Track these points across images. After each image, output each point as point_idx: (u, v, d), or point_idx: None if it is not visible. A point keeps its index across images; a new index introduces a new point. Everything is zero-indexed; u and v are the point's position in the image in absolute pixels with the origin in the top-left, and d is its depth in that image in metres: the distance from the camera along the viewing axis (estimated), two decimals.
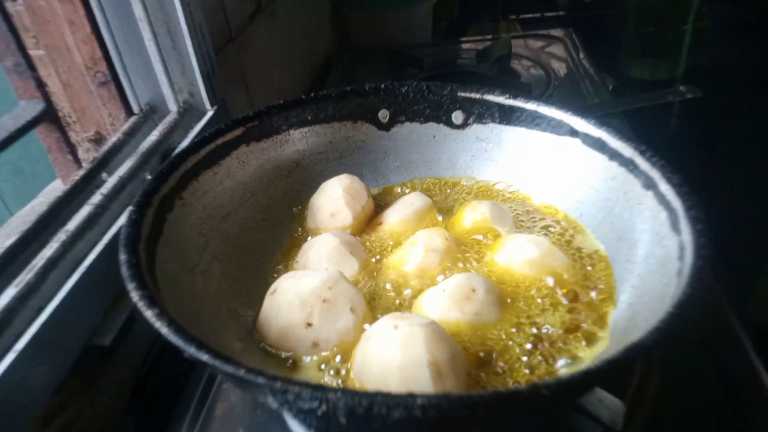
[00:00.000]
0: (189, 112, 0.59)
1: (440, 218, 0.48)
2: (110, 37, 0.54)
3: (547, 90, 0.81)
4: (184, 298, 0.35)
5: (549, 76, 0.85)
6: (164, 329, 0.26)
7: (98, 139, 0.59)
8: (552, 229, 0.45)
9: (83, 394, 0.38)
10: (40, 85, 0.46)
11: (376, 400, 0.23)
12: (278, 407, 0.25)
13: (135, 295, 0.28)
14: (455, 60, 0.94)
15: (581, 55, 0.93)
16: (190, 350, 0.25)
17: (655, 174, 0.39)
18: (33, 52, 0.56)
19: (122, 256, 0.31)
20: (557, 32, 1.02)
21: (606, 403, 0.36)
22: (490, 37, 1.02)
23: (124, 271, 0.30)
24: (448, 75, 0.85)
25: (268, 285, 0.39)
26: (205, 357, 0.25)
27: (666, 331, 0.27)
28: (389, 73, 0.91)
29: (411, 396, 0.23)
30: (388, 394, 0.23)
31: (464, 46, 1.00)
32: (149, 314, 0.27)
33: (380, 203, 0.51)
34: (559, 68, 0.90)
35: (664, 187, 0.38)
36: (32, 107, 0.46)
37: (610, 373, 0.26)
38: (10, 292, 0.35)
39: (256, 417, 0.41)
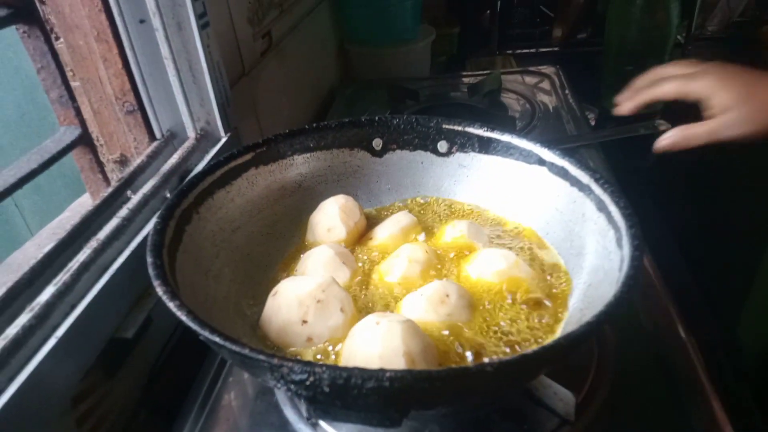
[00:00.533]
0: (205, 138, 0.66)
1: (423, 234, 0.54)
2: (138, 72, 0.61)
3: (531, 122, 0.88)
4: (199, 298, 0.41)
5: (534, 110, 0.92)
6: (184, 317, 0.32)
7: (123, 161, 0.67)
8: (520, 245, 0.51)
9: (106, 381, 0.44)
10: (78, 113, 0.54)
11: (353, 372, 0.29)
12: (274, 384, 0.31)
13: (160, 290, 0.35)
14: (449, 93, 1.01)
15: (566, 91, 1.01)
16: (205, 333, 0.31)
17: (606, 198, 0.45)
18: (71, 83, 0.64)
19: (149, 259, 0.38)
20: (547, 69, 1.10)
21: (560, 395, 0.41)
22: (485, 72, 1.10)
23: (151, 271, 0.36)
24: (441, 107, 0.92)
25: (270, 289, 0.45)
26: (217, 338, 0.31)
27: (594, 326, 0.32)
28: (388, 104, 0.98)
29: (381, 370, 0.29)
30: (363, 369, 0.29)
31: (459, 80, 1.08)
32: (172, 305, 0.33)
33: (372, 221, 0.57)
34: (545, 102, 0.97)
35: (613, 209, 0.44)
36: (71, 133, 0.53)
37: (547, 358, 0.32)
38: (50, 290, 0.41)
39: (256, 406, 0.47)
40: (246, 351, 0.30)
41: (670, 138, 0.56)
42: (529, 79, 1.08)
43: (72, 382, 0.41)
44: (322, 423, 0.43)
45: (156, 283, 0.36)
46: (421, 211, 0.58)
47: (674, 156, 0.59)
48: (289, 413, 0.44)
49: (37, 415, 0.37)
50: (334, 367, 0.29)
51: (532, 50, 1.74)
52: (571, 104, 0.94)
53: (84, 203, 0.63)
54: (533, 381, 0.41)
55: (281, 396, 0.46)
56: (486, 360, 0.39)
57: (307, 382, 0.29)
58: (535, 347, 0.39)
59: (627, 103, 0.62)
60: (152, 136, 0.65)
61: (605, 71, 1.08)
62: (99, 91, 0.63)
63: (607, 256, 0.42)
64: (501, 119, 0.86)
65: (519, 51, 1.73)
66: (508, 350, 0.40)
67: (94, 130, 0.67)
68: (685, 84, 0.55)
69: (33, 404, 0.36)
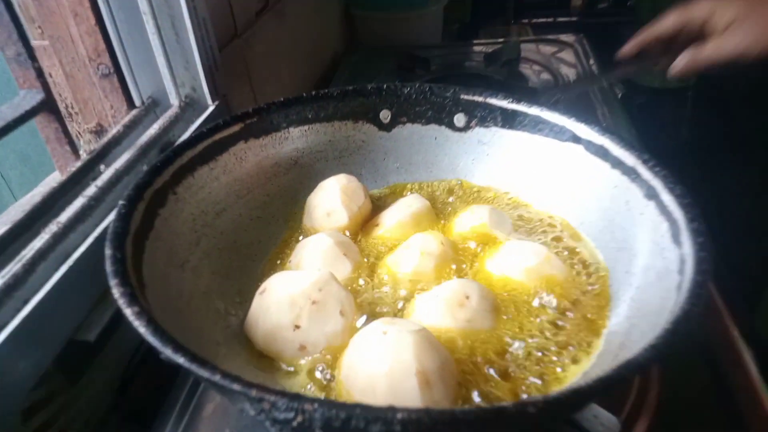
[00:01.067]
0: (190, 106, 0.59)
1: (438, 222, 0.47)
2: (114, 29, 0.54)
3: (554, 95, 0.80)
4: (172, 295, 0.34)
5: (557, 82, 0.84)
6: (142, 328, 0.26)
7: (99, 131, 0.59)
8: (551, 237, 0.44)
9: (67, 389, 0.38)
10: (41, 75, 0.46)
11: (354, 413, 0.22)
12: (255, 415, 0.25)
13: (116, 292, 0.28)
14: (463, 62, 0.93)
15: (591, 62, 0.92)
16: (167, 351, 0.25)
17: (657, 184, 0.38)
18: (37, 43, 0.56)
19: (107, 251, 0.31)
20: (568, 38, 1.01)
21: (601, 419, 0.35)
22: (500, 40, 1.01)
23: (108, 266, 0.30)
24: (455, 77, 0.84)
25: (260, 283, 0.38)
26: (181, 360, 0.24)
27: (661, 348, 0.26)
28: (396, 73, 0.90)
29: (391, 410, 0.22)
30: (368, 407, 0.22)
31: (473, 48, 0.99)
32: (129, 312, 0.27)
33: (378, 204, 0.50)
34: (568, 74, 0.88)
35: (666, 198, 0.37)
36: (31, 97, 0.46)
37: (601, 391, 0.25)
38: None
39: (242, 419, 0.41)
40: (217, 378, 0.24)
41: (680, 62, 0.54)
42: (548, 49, 1.00)
43: (21, 393, 0.34)
44: None
45: (113, 282, 0.29)
46: (435, 194, 0.51)
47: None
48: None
49: None
50: (329, 404, 0.22)
51: (550, 19, 1.64)
52: (597, 76, 0.86)
53: (57, 178, 0.57)
54: None
55: None
56: (523, 394, 0.32)
57: (294, 423, 0.23)
58: (584, 375, 0.33)
59: (628, 45, 0.60)
60: (131, 104, 0.57)
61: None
62: (71, 52, 0.55)
63: (660, 254, 0.35)
64: (521, 91, 0.78)
65: (536, 20, 1.63)
66: (538, 368, 0.33)
67: (67, 96, 0.60)
68: (682, 11, 0.54)
69: None
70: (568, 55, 0.97)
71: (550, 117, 0.46)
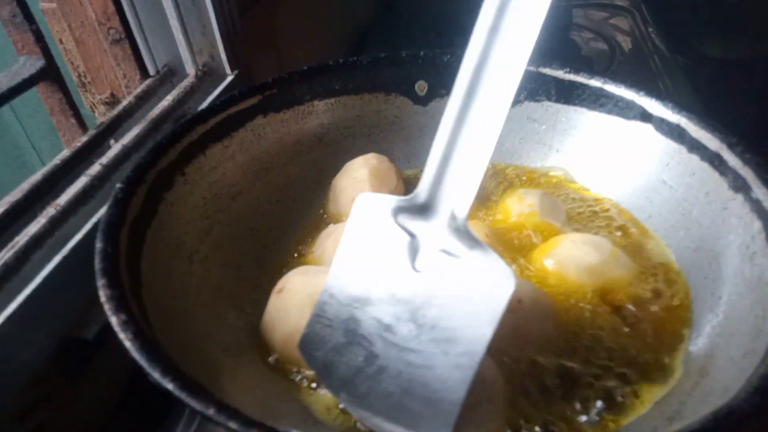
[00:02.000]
0: (209, 76, 0.54)
1: (481, 210, 0.41)
2: None
3: (611, 66, 0.72)
4: (175, 294, 0.30)
5: (613, 51, 0.75)
6: (127, 342, 0.21)
7: (113, 102, 0.55)
8: (613, 231, 0.37)
9: (66, 388, 0.34)
10: (40, 39, 0.42)
11: None
12: None
13: (102, 294, 0.24)
14: None
15: (650, 29, 0.83)
16: (154, 374, 0.20)
17: (747, 173, 0.31)
18: (45, 5, 0.52)
19: (98, 244, 0.27)
20: (623, 2, 0.91)
21: None
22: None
23: (97, 263, 0.25)
24: None
25: (278, 278, 0.34)
26: (170, 386, 0.20)
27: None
28: (435, 41, 0.83)
29: None
30: None
31: None
32: (114, 320, 0.23)
33: (412, 188, 0.44)
34: (625, 42, 0.80)
35: (760, 192, 0.30)
36: (31, 64, 0.41)
37: None
38: None
39: None
40: (210, 412, 0.19)
41: None
42: (602, 14, 0.91)
43: (12, 394, 0.31)
44: None
45: (100, 282, 0.25)
46: None
47: None
48: None
49: None
50: None
51: None
52: (657, 45, 0.77)
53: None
54: None
55: None
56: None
57: None
58: (651, 403, 0.27)
59: None
60: (144, 73, 0.53)
61: (698, 5, 0.88)
62: (80, 15, 0.51)
63: (751, 259, 0.29)
64: (573, 60, 0.70)
65: None
66: (604, 396, 0.28)
67: (79, 64, 0.55)
68: None
69: None
70: (622, 21, 0.88)
71: (615, 90, 0.40)
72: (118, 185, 0.31)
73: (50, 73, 0.42)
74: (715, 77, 0.80)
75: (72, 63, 0.56)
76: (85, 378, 0.36)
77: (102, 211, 0.38)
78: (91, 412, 0.37)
